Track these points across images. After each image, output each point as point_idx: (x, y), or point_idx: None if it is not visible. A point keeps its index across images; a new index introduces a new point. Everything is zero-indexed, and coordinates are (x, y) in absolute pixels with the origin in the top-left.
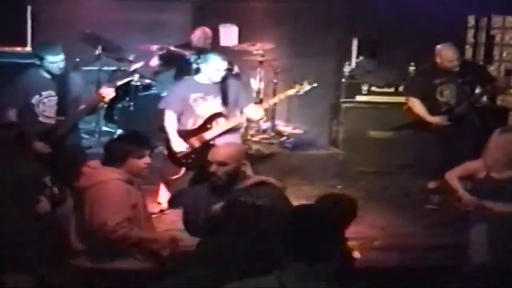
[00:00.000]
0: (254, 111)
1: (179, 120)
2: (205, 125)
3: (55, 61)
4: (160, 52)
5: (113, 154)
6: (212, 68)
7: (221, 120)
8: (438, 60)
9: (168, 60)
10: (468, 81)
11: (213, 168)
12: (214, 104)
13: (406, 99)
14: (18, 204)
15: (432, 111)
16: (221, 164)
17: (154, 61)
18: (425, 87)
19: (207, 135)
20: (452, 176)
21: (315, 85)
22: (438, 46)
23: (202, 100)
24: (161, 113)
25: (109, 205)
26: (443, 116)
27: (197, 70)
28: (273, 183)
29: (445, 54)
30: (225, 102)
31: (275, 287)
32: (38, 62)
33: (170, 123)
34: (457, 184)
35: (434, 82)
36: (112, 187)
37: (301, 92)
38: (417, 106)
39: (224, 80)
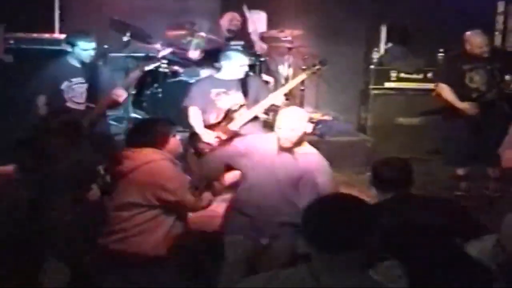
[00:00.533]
0: (276, 99)
1: (203, 116)
2: (228, 117)
3: (87, 48)
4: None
5: (154, 136)
6: (236, 64)
7: (243, 110)
8: (467, 46)
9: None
10: (498, 68)
11: None
12: (236, 97)
13: (435, 85)
14: (70, 191)
15: (462, 97)
16: None
17: (193, 53)
18: (454, 73)
19: (232, 126)
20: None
21: (326, 64)
22: (467, 33)
23: (224, 95)
24: (185, 111)
25: (172, 176)
26: (472, 102)
27: (218, 68)
28: None
29: (474, 40)
30: (246, 95)
31: (307, 276)
32: (69, 49)
33: (195, 118)
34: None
35: (464, 68)
36: (165, 164)
37: (316, 73)
38: (446, 91)
39: (246, 77)
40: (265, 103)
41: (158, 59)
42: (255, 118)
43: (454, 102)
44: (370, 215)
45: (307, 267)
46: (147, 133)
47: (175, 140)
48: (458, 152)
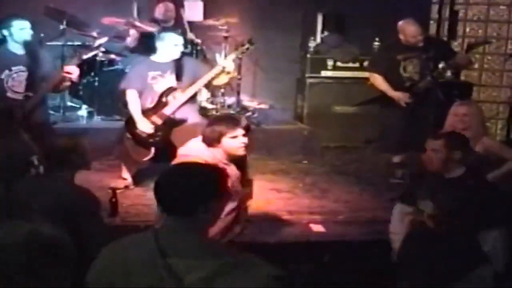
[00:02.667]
0: (227, 62)
1: (140, 99)
2: (161, 101)
3: (24, 27)
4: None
5: (207, 137)
6: (170, 44)
7: (177, 94)
8: (401, 36)
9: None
10: (431, 57)
11: None
12: (171, 80)
13: (369, 75)
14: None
15: (396, 86)
16: None
17: (131, 41)
18: (388, 62)
19: (166, 111)
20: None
21: (255, 44)
22: (400, 22)
23: (160, 78)
24: (123, 93)
25: None
26: (405, 91)
27: (153, 50)
28: None
29: (408, 30)
30: (180, 77)
31: (150, 238)
32: (6, 33)
33: (133, 102)
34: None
35: (397, 58)
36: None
37: (243, 53)
38: (379, 81)
39: (180, 57)
40: (197, 86)
41: (97, 48)
42: (193, 100)
43: (387, 91)
44: (207, 183)
45: (154, 231)
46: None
47: (232, 142)
48: (393, 140)
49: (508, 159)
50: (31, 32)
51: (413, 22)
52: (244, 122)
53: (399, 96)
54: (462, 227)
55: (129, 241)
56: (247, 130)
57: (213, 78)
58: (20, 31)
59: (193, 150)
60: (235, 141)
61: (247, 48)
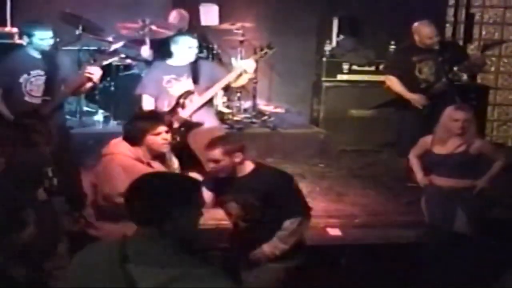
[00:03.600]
0: (248, 63)
1: (156, 104)
2: (178, 104)
3: (45, 37)
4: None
5: (131, 134)
6: (184, 47)
7: (194, 97)
8: (416, 37)
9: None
10: (446, 59)
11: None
12: (187, 84)
13: (384, 78)
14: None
15: (412, 88)
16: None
17: (145, 50)
18: (403, 65)
19: (183, 114)
20: (412, 155)
21: (274, 49)
22: (415, 24)
23: (175, 81)
24: (139, 98)
25: (112, 177)
26: (421, 93)
27: (170, 54)
28: None
29: (423, 31)
30: (197, 80)
31: (117, 247)
32: (27, 40)
33: (147, 107)
34: (414, 162)
35: (413, 60)
36: (116, 160)
37: (261, 57)
38: (395, 84)
39: (196, 61)
40: (216, 88)
41: (116, 54)
42: (210, 104)
43: (403, 93)
44: (172, 192)
45: (123, 238)
46: (126, 131)
47: (155, 140)
48: (409, 143)
49: (497, 160)
50: (51, 42)
51: (428, 23)
52: (167, 118)
53: (415, 98)
54: (269, 216)
55: (97, 247)
56: (170, 127)
57: (230, 82)
58: (41, 41)
59: (117, 148)
60: (158, 138)
61: (266, 53)
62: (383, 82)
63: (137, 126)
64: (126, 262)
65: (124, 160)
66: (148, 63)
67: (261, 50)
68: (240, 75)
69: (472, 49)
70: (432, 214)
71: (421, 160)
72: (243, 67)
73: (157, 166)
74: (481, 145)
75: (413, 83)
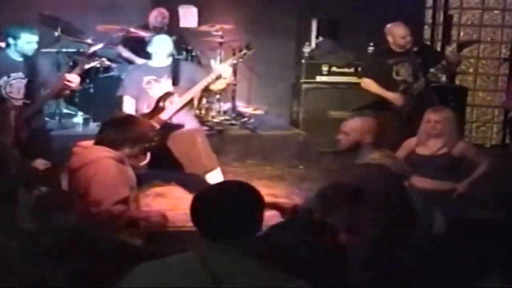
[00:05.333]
0: (224, 68)
1: (136, 105)
2: (158, 106)
3: (31, 41)
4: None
5: (109, 140)
6: (161, 47)
7: (174, 98)
8: (390, 39)
9: (132, 45)
10: (423, 60)
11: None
12: (167, 85)
13: (360, 81)
14: None
15: (390, 90)
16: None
17: (124, 51)
18: (380, 67)
19: (163, 116)
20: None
21: (253, 50)
22: (388, 25)
23: (155, 82)
24: (120, 100)
25: (104, 184)
26: (400, 93)
27: (149, 55)
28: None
29: (396, 31)
30: (177, 81)
31: (194, 262)
32: (11, 42)
33: (128, 109)
34: None
35: (389, 63)
36: (104, 166)
37: (241, 58)
38: (371, 85)
39: (177, 62)
40: (193, 91)
41: (96, 57)
42: (190, 107)
43: (382, 93)
44: (254, 203)
45: (196, 254)
46: (103, 134)
47: (133, 149)
48: (388, 144)
49: (480, 164)
50: (36, 46)
51: (401, 24)
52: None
53: (394, 96)
54: None
55: (169, 264)
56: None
57: (209, 84)
58: (27, 44)
59: (102, 152)
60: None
61: (245, 54)
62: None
63: (118, 131)
64: (220, 283)
65: (115, 164)
66: (130, 62)
67: (240, 51)
68: (218, 78)
69: (450, 50)
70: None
71: (406, 162)
72: (219, 72)
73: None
74: (464, 148)
75: (391, 85)
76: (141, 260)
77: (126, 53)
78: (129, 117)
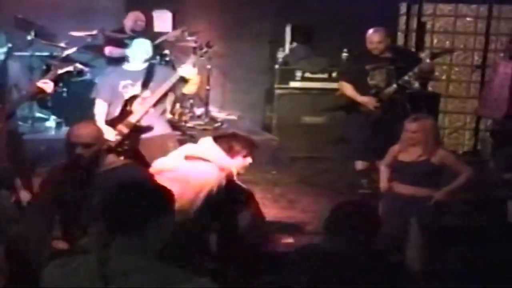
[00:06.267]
0: (187, 70)
1: (109, 109)
2: (126, 109)
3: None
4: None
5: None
6: (140, 51)
7: (145, 102)
8: (368, 44)
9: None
10: (398, 66)
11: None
12: (139, 89)
13: (338, 84)
14: None
15: (363, 94)
16: (86, 145)
17: (115, 49)
18: (357, 72)
19: (132, 119)
20: (382, 164)
21: (214, 47)
22: (369, 31)
23: (131, 87)
24: (93, 103)
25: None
26: (372, 97)
27: (125, 59)
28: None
29: (373, 37)
30: (148, 85)
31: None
32: None
33: (99, 112)
34: (382, 171)
35: (366, 68)
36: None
37: (202, 57)
38: (348, 88)
39: (151, 66)
40: (158, 94)
41: (70, 61)
42: (162, 111)
43: (355, 97)
44: (160, 199)
45: (99, 253)
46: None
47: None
48: (360, 148)
49: (460, 173)
50: (5, 50)
51: (380, 29)
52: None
53: (366, 100)
54: None
55: (72, 265)
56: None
57: (176, 86)
58: None
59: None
60: None
61: (206, 52)
62: (336, 90)
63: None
64: (107, 284)
65: None
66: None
67: (201, 49)
68: (185, 80)
69: (423, 57)
70: (387, 221)
71: (391, 168)
72: (182, 73)
73: None
74: (443, 156)
75: (363, 89)
76: None
77: (118, 50)
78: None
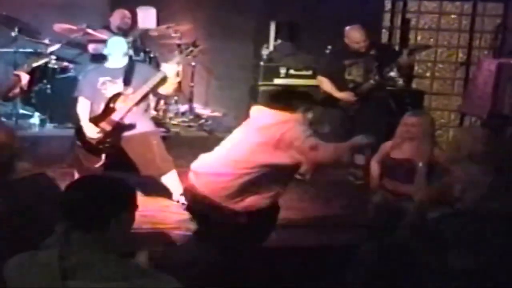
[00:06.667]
0: (169, 68)
1: (92, 107)
2: (109, 107)
3: None
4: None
5: None
6: (116, 49)
7: (127, 99)
8: (346, 41)
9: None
10: (376, 61)
11: None
12: (122, 86)
13: (317, 79)
14: None
15: (340, 89)
16: None
17: (100, 46)
18: (335, 68)
19: (115, 117)
20: (373, 161)
21: (200, 47)
22: (346, 28)
23: (110, 83)
24: (75, 101)
25: None
26: (350, 92)
27: (106, 57)
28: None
29: (353, 35)
30: (130, 82)
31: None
32: None
33: (82, 109)
34: (374, 168)
35: (344, 63)
36: None
37: (187, 56)
38: (325, 83)
39: (133, 63)
40: (141, 92)
41: (48, 55)
42: (146, 109)
43: (333, 92)
44: (120, 195)
45: (59, 248)
46: None
47: None
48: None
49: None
50: None
51: (358, 27)
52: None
53: (344, 95)
54: None
55: (33, 259)
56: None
57: (156, 86)
58: None
59: None
60: None
61: (191, 51)
62: (319, 86)
63: None
64: (67, 279)
65: None
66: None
67: (187, 48)
68: (164, 79)
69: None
70: (376, 218)
71: (382, 165)
72: (163, 72)
73: None
74: (436, 154)
75: (342, 84)
76: None
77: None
78: None
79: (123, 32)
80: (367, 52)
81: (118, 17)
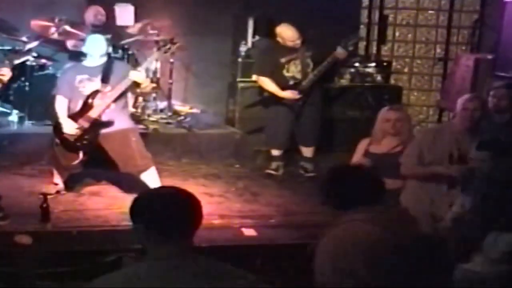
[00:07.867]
0: (137, 74)
1: (69, 105)
2: (87, 104)
3: None
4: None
5: None
6: (94, 47)
7: (105, 96)
8: (279, 39)
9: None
10: (311, 56)
11: None
12: (99, 84)
13: (255, 78)
14: None
15: (281, 86)
16: None
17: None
18: (272, 66)
19: (93, 114)
20: (353, 160)
21: (178, 44)
22: (278, 27)
23: (88, 81)
24: (53, 99)
25: None
26: (292, 89)
27: (84, 55)
28: None
29: (285, 34)
30: (109, 80)
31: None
32: None
33: (60, 107)
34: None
35: (281, 61)
36: None
37: (165, 53)
38: (268, 84)
39: (111, 61)
40: (120, 87)
41: (28, 53)
42: (125, 106)
43: (277, 93)
44: (195, 207)
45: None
46: None
47: None
48: (283, 137)
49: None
50: None
51: (289, 26)
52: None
53: (288, 95)
54: None
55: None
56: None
57: (129, 88)
58: None
59: None
60: None
61: (169, 48)
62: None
63: None
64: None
65: None
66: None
67: (165, 45)
68: (136, 84)
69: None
70: None
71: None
72: (133, 78)
73: None
74: None
75: (282, 81)
76: None
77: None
78: None
79: (97, 28)
80: (301, 47)
81: (91, 13)
